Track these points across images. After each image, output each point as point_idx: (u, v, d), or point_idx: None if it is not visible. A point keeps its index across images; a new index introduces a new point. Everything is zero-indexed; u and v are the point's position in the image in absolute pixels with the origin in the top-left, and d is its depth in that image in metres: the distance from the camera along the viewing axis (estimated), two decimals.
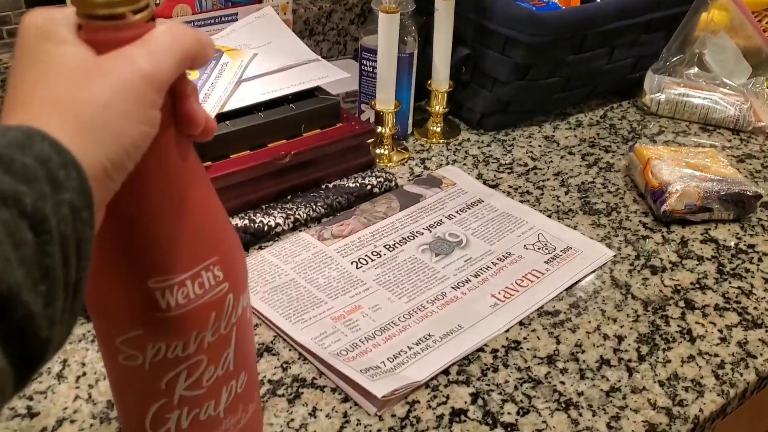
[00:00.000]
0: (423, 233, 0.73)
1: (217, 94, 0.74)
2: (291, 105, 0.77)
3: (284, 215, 0.73)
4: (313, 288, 0.64)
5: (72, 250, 0.25)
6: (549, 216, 0.78)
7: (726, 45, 1.07)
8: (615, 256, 0.72)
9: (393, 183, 0.81)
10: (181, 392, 0.37)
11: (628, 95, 1.05)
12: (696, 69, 1.05)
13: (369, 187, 0.79)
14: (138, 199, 0.32)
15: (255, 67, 0.81)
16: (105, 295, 0.34)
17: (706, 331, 0.63)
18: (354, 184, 0.79)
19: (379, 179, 0.80)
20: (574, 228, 0.76)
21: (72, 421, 0.51)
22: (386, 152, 0.87)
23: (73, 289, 0.26)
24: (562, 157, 0.90)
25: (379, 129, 0.86)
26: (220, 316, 0.36)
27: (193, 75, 0.75)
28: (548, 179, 0.85)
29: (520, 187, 0.83)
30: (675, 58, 1.03)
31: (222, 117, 0.73)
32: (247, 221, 0.71)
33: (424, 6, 0.89)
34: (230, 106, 0.74)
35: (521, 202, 0.80)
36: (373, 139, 0.85)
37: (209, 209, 0.35)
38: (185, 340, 0.35)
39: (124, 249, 0.33)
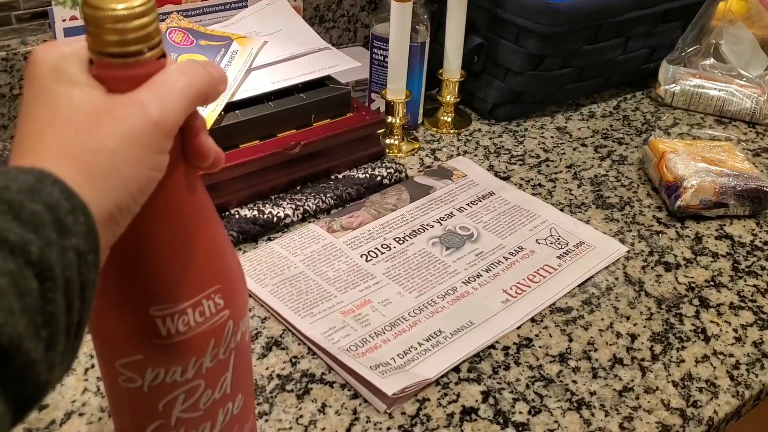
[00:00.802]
0: (433, 226, 0.72)
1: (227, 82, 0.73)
2: (301, 94, 0.76)
3: (293, 206, 0.72)
4: (322, 281, 0.63)
5: (76, 293, 0.26)
6: (561, 209, 0.77)
7: (743, 35, 1.05)
8: (628, 251, 0.71)
9: (403, 174, 0.80)
10: (178, 414, 0.37)
11: (642, 86, 1.04)
12: (712, 60, 1.03)
13: (379, 178, 0.78)
14: (143, 230, 0.32)
15: (265, 55, 0.80)
16: (106, 320, 0.34)
17: (721, 330, 0.62)
18: (364, 175, 0.78)
19: (389, 170, 0.79)
20: (587, 222, 0.75)
21: (81, 414, 0.51)
22: (396, 142, 0.86)
23: (75, 330, 0.26)
24: (574, 149, 0.89)
25: (390, 119, 0.85)
26: (219, 343, 0.36)
27: None
28: (560, 171, 0.84)
29: (532, 179, 0.82)
30: (691, 49, 1.02)
31: (232, 106, 0.72)
32: (256, 212, 0.70)
33: None
34: (240, 96, 0.73)
35: (533, 194, 0.79)
36: (383, 129, 0.84)
37: (213, 238, 0.35)
38: (184, 366, 0.35)
39: (128, 277, 0.33)
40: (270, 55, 0.80)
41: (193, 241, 0.34)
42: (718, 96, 0.98)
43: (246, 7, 0.88)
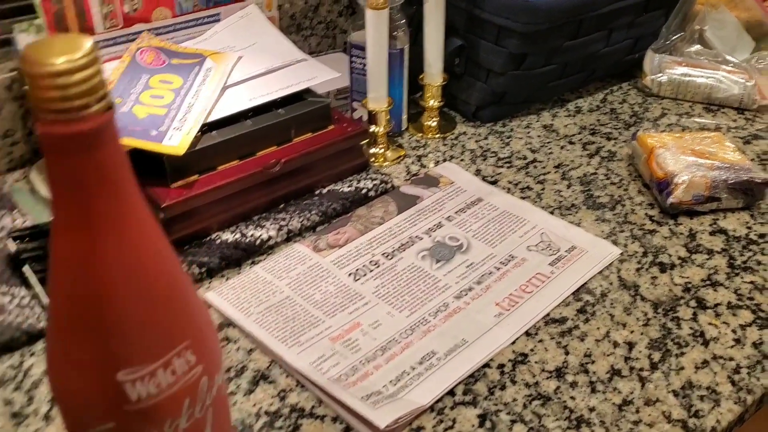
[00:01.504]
0: (422, 238, 0.71)
1: (202, 102, 0.71)
2: (280, 110, 0.74)
3: (277, 226, 0.70)
4: (309, 305, 0.62)
5: None
6: (551, 212, 0.75)
7: (727, 20, 1.04)
8: (622, 253, 0.69)
9: (389, 185, 0.78)
10: None
11: (628, 77, 1.02)
12: (697, 46, 1.01)
13: (364, 190, 0.76)
14: (103, 292, 0.30)
15: (240, 70, 0.78)
16: (72, 390, 0.32)
17: (720, 332, 0.60)
18: (349, 189, 0.76)
19: (374, 182, 0.77)
20: (578, 224, 0.73)
21: None
22: (381, 151, 0.84)
23: None
24: (562, 148, 0.87)
25: (373, 128, 0.83)
26: (194, 401, 0.34)
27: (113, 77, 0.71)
28: (549, 172, 0.82)
29: (520, 182, 0.81)
30: (675, 36, 1.00)
31: (208, 127, 0.70)
32: (238, 235, 0.68)
33: None
34: (216, 115, 0.71)
35: (522, 198, 0.78)
36: (366, 140, 0.82)
37: (178, 292, 0.33)
38: (159, 430, 0.33)
39: (91, 341, 0.31)
40: (246, 70, 0.78)
41: (156, 296, 0.32)
42: (706, 83, 0.96)
43: (219, 21, 0.86)
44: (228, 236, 0.68)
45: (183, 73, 0.75)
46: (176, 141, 0.66)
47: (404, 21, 0.84)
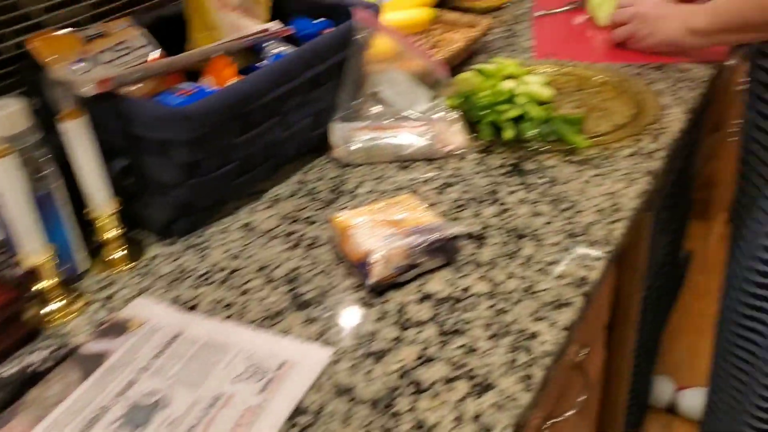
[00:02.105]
0: (113, 405, 0.61)
1: None
2: None
3: None
4: None
5: None
6: (258, 326, 0.69)
7: (398, 77, 1.07)
8: (334, 353, 0.65)
9: (66, 349, 0.67)
10: None
11: (320, 151, 1.00)
12: (376, 109, 1.03)
13: (33, 366, 0.64)
14: None
15: None
16: None
17: (440, 416, 0.58)
18: (13, 370, 0.63)
19: (47, 350, 0.66)
20: (287, 333, 0.68)
21: None
22: (56, 307, 0.73)
23: None
24: (263, 246, 0.82)
25: (37, 286, 0.71)
26: None
27: None
28: (252, 279, 0.76)
29: (222, 299, 0.74)
30: (354, 103, 1.01)
31: None
32: None
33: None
34: None
35: (226, 318, 0.71)
36: (33, 301, 0.70)
37: None
38: None
39: None
40: None
41: None
42: (394, 143, 0.97)
43: None
44: None
45: None
46: None
47: (50, 155, 0.74)
